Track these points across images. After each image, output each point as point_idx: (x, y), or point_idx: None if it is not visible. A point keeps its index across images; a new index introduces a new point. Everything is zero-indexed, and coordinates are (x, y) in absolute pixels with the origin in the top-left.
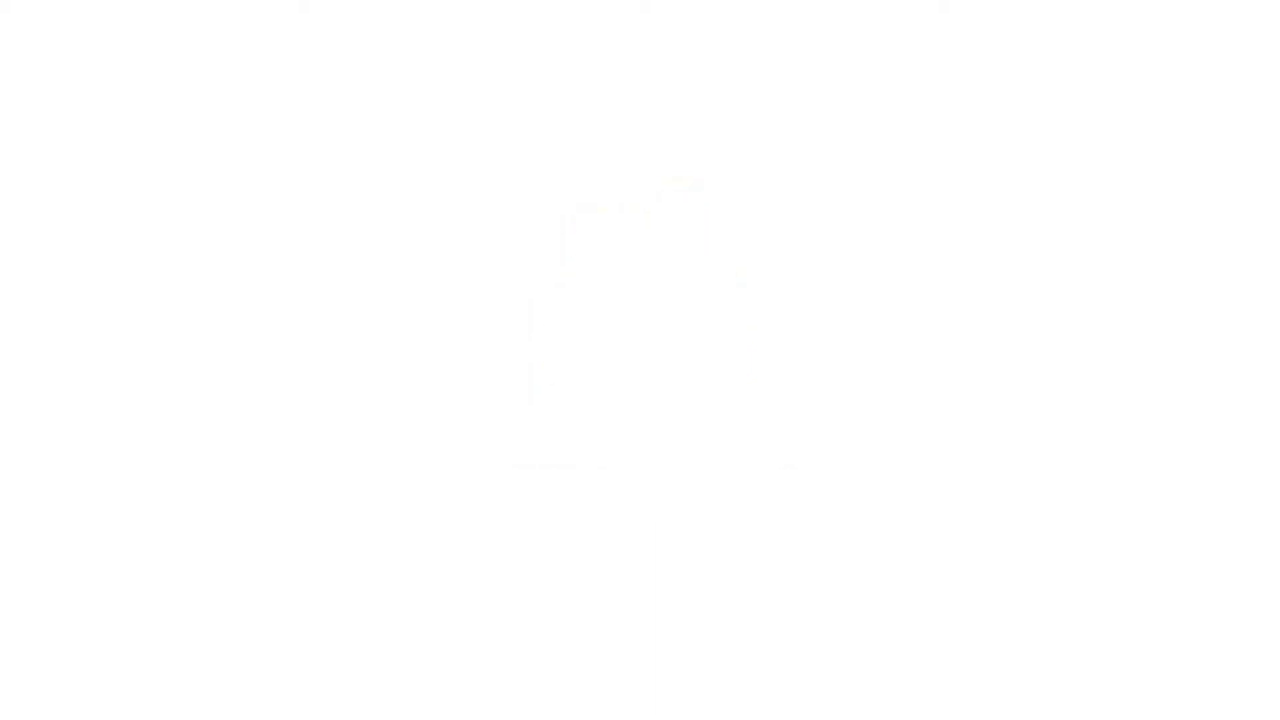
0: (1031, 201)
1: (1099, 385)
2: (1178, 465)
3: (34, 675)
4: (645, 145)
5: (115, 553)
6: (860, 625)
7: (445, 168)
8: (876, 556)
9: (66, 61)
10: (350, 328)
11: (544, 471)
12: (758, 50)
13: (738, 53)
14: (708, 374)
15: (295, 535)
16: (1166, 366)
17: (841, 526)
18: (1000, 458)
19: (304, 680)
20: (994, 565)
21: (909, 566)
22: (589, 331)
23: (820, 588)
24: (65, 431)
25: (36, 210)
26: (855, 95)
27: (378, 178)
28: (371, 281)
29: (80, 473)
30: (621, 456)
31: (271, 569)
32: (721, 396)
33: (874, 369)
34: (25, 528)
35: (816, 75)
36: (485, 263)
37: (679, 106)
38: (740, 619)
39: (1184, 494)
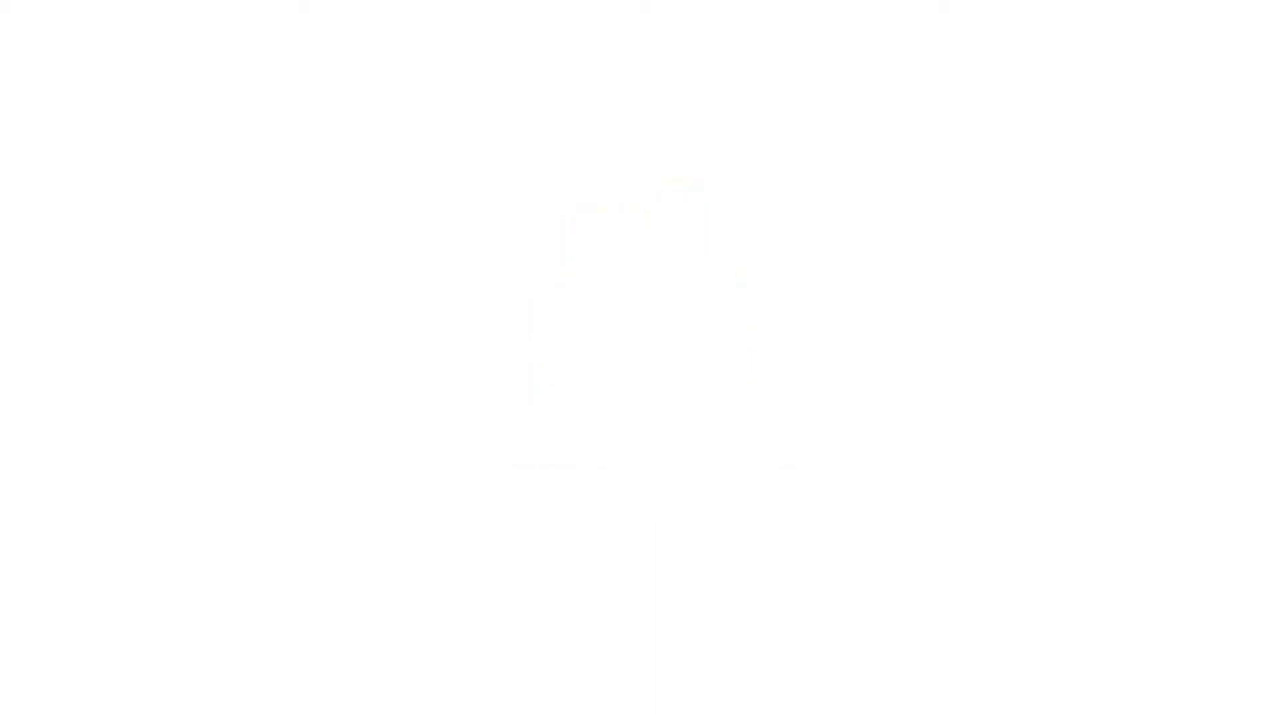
0: (1031, 201)
1: (1099, 385)
2: (1178, 465)
3: (34, 675)
4: (645, 145)
5: (115, 552)
6: (860, 624)
7: (445, 168)
8: (876, 556)
9: (67, 61)
10: (350, 328)
11: (544, 471)
12: (758, 50)
13: (738, 53)
14: (708, 374)
15: (295, 535)
16: (1167, 366)
17: (841, 526)
18: (1000, 457)
19: (304, 679)
20: (994, 565)
21: (909, 566)
22: (589, 331)
23: (820, 587)
24: (65, 432)
25: (37, 210)
26: (855, 95)
27: (378, 178)
28: (371, 282)
29: (80, 473)
30: (621, 456)
31: (272, 568)
32: (721, 396)
33: (874, 369)
34: (25, 528)
35: (816, 75)
36: (485, 263)
37: (679, 106)
38: (740, 618)
39: (1184, 494)
